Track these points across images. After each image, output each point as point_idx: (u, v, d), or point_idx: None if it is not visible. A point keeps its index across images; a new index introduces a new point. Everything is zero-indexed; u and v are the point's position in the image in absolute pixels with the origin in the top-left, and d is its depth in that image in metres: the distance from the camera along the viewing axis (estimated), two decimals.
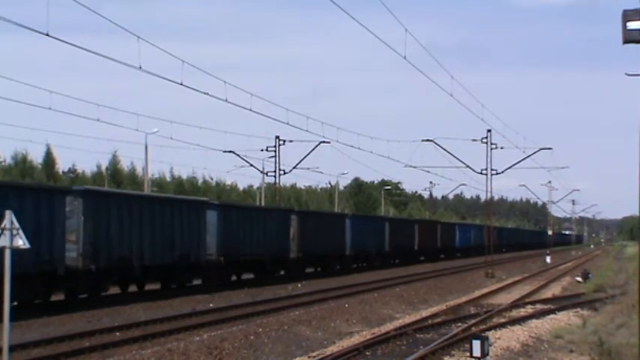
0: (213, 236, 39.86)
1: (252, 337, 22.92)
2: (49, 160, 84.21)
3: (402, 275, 54.34)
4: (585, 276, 49.20)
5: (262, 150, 64.89)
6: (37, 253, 26.22)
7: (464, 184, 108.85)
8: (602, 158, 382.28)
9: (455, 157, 63.98)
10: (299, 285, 44.41)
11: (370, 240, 63.79)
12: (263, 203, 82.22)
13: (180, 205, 37.70)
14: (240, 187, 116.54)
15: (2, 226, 16.48)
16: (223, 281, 41.25)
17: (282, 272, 50.04)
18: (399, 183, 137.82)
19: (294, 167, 65.81)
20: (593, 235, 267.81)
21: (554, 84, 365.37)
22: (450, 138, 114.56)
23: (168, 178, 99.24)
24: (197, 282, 39.87)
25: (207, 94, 33.13)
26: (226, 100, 34.13)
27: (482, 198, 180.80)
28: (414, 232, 77.62)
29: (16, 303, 26.11)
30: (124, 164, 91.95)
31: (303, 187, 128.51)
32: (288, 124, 44.75)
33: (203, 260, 38.86)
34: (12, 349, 18.34)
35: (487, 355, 18.79)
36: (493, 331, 25.08)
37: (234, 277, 44.90)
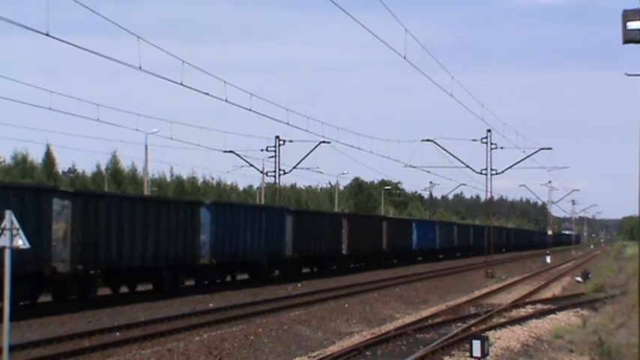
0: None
1: (252, 337, 22.93)
2: (49, 160, 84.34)
3: (402, 275, 54.33)
4: (585, 276, 49.20)
5: (262, 150, 64.95)
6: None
7: (464, 184, 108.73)
8: (602, 158, 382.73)
9: (455, 157, 63.99)
10: (299, 285, 44.40)
11: (255, 241, 44.67)
12: (263, 203, 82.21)
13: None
14: (240, 187, 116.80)
15: (2, 226, 16.47)
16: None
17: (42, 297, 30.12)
18: (399, 183, 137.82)
19: (294, 167, 65.86)
20: (593, 234, 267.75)
21: (553, 84, 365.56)
22: (450, 138, 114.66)
23: (168, 178, 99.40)
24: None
25: (207, 94, 33.14)
26: (226, 100, 34.14)
27: (482, 198, 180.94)
28: (340, 230, 58.03)
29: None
30: (125, 164, 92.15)
31: (303, 187, 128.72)
32: (288, 124, 44.74)
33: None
34: (12, 349, 18.33)
35: (487, 355, 18.80)
36: (493, 331, 25.08)
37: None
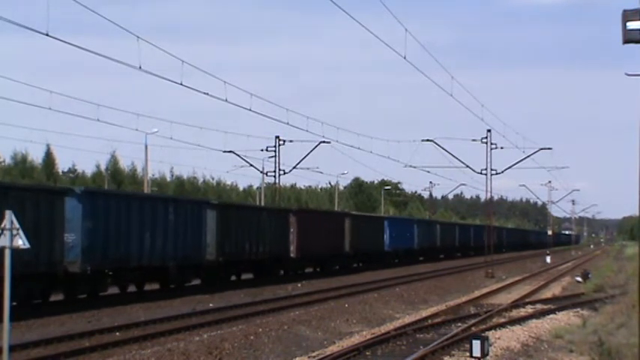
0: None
1: (252, 337, 22.93)
2: (49, 160, 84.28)
3: (402, 275, 54.34)
4: (585, 276, 49.19)
5: (262, 150, 65.01)
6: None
7: (464, 184, 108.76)
8: (602, 158, 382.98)
9: (455, 157, 64.00)
10: (299, 285, 44.43)
11: (158, 242, 35.56)
12: (263, 203, 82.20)
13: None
14: (240, 187, 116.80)
15: (2, 226, 16.47)
16: None
17: None
18: (399, 183, 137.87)
19: (294, 167, 65.92)
20: (593, 234, 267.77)
21: (554, 84, 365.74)
22: (450, 138, 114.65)
23: (168, 178, 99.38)
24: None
25: (207, 94, 33.17)
26: (226, 100, 34.19)
27: (482, 198, 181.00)
28: (287, 229, 49.57)
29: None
30: (124, 164, 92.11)
31: (303, 187, 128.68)
32: (288, 124, 44.83)
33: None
34: (12, 349, 18.33)
35: (487, 355, 18.79)
36: (493, 331, 25.07)
37: None
